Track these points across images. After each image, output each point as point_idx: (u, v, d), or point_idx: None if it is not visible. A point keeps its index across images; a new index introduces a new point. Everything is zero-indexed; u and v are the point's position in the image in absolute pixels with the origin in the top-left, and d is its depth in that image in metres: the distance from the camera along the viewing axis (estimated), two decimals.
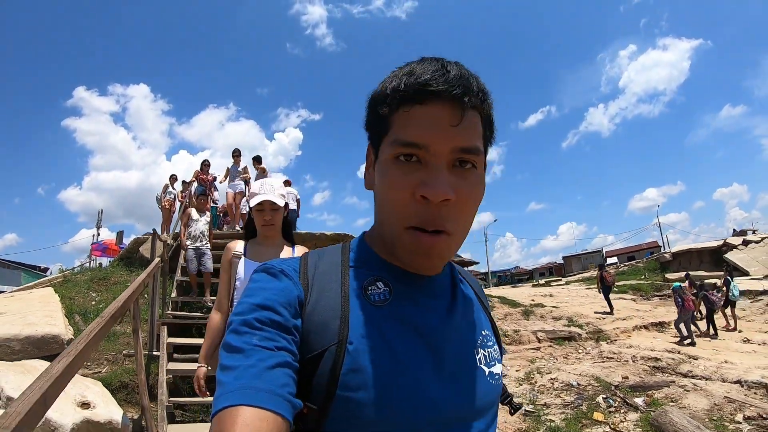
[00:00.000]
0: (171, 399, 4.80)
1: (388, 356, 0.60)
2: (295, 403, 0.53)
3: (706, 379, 7.26)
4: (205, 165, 10.86)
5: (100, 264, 13.16)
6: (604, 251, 36.98)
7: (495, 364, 0.72)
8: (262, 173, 9.88)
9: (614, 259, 30.92)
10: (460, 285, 0.77)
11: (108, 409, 3.72)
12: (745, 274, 17.27)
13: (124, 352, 5.62)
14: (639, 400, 6.29)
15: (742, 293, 14.49)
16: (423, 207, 0.60)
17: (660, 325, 11.21)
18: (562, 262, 33.79)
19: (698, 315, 11.66)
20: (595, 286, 14.42)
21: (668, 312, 12.55)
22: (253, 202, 2.44)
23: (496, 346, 0.76)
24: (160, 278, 6.79)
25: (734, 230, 27.65)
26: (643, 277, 19.50)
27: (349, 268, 0.69)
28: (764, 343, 9.51)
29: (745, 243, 19.52)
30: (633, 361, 8.27)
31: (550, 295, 15.22)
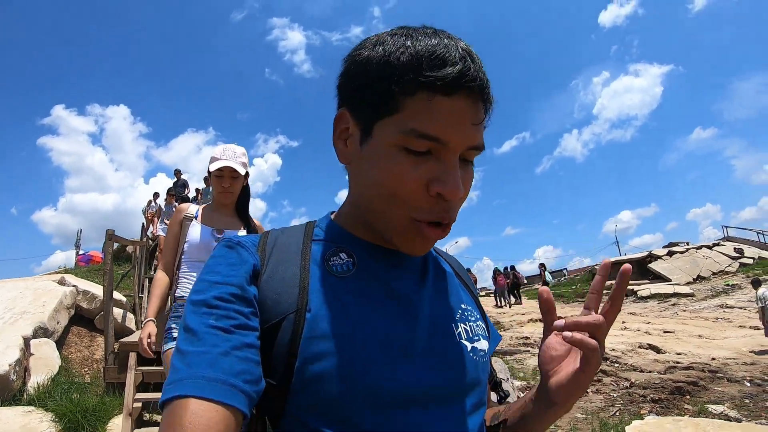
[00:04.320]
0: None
1: (351, 327, 0.57)
2: (249, 391, 0.50)
3: None
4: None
5: None
6: (566, 270, 38.65)
7: (479, 340, 0.68)
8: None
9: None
10: (434, 258, 0.74)
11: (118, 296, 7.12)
12: (667, 280, 18.86)
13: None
14: None
15: (654, 296, 16.19)
16: (435, 202, 0.58)
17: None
18: (525, 282, 35.09)
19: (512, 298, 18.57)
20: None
21: (573, 309, 14.11)
22: (213, 167, 2.35)
23: (480, 322, 0.72)
24: (145, 257, 9.80)
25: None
26: (574, 286, 21.14)
27: (312, 242, 0.66)
28: (638, 330, 11.01)
29: (671, 254, 21.22)
30: (510, 340, 9.75)
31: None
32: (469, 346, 0.65)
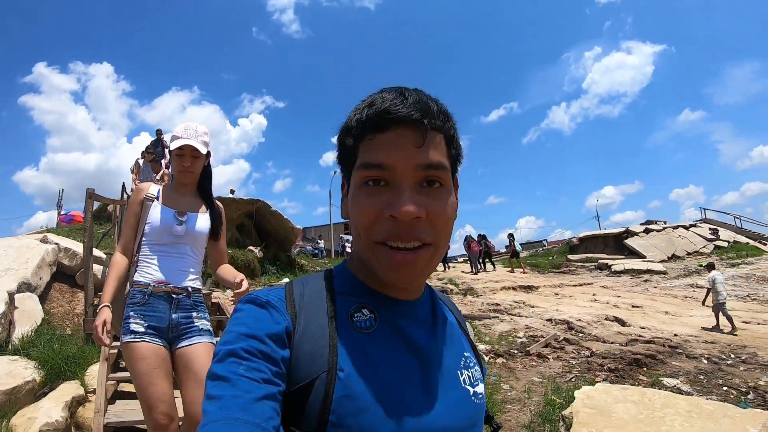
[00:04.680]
0: None
1: (379, 382, 0.61)
2: None
3: (526, 317, 8.88)
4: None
5: None
6: (546, 241, 39.22)
7: (478, 384, 0.74)
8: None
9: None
10: (441, 309, 0.79)
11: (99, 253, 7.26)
12: (642, 257, 19.22)
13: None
14: None
15: (627, 272, 16.49)
16: (392, 224, 0.62)
17: (528, 288, 12.94)
18: (504, 250, 35.72)
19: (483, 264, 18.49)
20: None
21: (547, 279, 14.34)
22: (174, 146, 2.30)
23: (477, 367, 0.77)
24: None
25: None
26: (550, 257, 21.53)
27: (335, 295, 0.70)
28: (607, 303, 11.22)
29: (647, 231, 21.59)
30: (480, 306, 9.89)
31: (453, 267, 18.22)
32: (471, 390, 0.72)
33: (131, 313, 2.15)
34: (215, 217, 2.42)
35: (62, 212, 19.94)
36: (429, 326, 0.73)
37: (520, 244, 25.20)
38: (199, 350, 2.18)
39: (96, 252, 6.79)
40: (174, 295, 2.24)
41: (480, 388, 0.74)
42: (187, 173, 2.34)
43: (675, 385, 5.56)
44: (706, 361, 6.75)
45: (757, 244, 22.33)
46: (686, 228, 22.91)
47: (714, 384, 5.76)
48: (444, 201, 0.66)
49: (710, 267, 10.68)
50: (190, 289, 2.30)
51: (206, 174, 2.45)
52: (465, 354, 0.76)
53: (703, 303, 10.42)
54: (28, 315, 5.27)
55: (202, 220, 2.37)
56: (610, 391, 4.40)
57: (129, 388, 4.70)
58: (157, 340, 2.14)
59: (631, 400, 4.22)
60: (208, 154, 2.39)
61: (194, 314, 2.27)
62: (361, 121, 0.65)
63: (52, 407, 3.93)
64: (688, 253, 20.24)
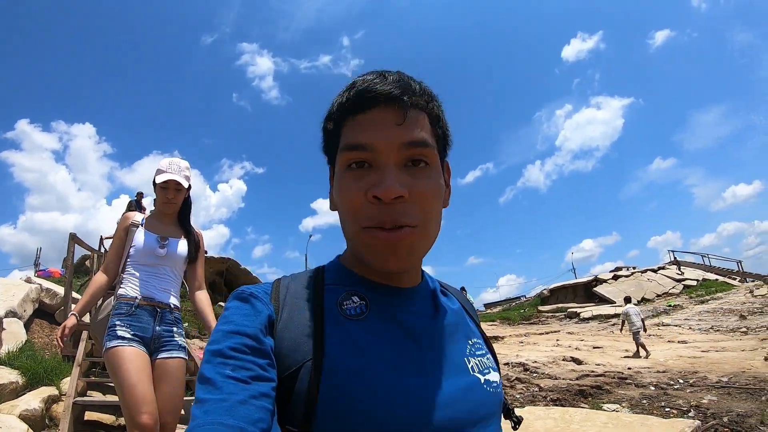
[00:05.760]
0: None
1: (369, 367, 0.58)
2: None
3: None
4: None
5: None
6: (525, 296, 39.34)
7: (490, 372, 0.70)
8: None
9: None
10: (442, 296, 0.76)
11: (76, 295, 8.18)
12: (612, 302, 19.54)
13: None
14: None
15: (595, 317, 16.76)
16: (377, 207, 0.60)
17: (494, 338, 13.07)
18: (484, 309, 35.62)
19: None
20: None
21: (514, 330, 14.50)
22: (159, 179, 2.51)
23: (489, 355, 0.74)
24: None
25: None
26: (522, 310, 21.75)
27: (324, 286, 0.68)
28: (569, 346, 11.42)
29: (616, 278, 22.09)
30: None
31: None
32: (482, 378, 0.67)
33: (117, 322, 2.31)
34: (192, 242, 2.67)
35: (39, 269, 19.76)
36: (429, 312, 0.70)
37: (498, 302, 25.25)
38: (175, 365, 2.41)
39: (75, 295, 7.40)
40: (158, 309, 2.45)
41: (493, 377, 0.70)
42: (170, 204, 2.59)
43: (615, 410, 5.69)
44: (653, 388, 6.91)
45: (727, 279, 22.81)
46: (654, 271, 23.40)
47: (656, 406, 5.90)
48: (430, 180, 0.64)
49: (626, 300, 11.76)
50: (171, 305, 2.52)
51: (186, 205, 2.70)
52: (472, 340, 0.72)
53: (621, 331, 11.37)
54: (14, 336, 6.22)
55: (182, 245, 2.61)
56: (534, 411, 4.62)
57: (97, 395, 5.55)
58: (142, 347, 2.32)
59: (552, 417, 4.43)
60: (189, 187, 2.64)
61: (175, 329, 2.49)
62: (341, 104, 0.65)
63: (31, 399, 4.78)
64: (658, 295, 20.58)
